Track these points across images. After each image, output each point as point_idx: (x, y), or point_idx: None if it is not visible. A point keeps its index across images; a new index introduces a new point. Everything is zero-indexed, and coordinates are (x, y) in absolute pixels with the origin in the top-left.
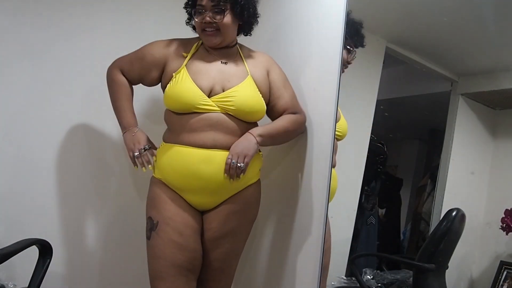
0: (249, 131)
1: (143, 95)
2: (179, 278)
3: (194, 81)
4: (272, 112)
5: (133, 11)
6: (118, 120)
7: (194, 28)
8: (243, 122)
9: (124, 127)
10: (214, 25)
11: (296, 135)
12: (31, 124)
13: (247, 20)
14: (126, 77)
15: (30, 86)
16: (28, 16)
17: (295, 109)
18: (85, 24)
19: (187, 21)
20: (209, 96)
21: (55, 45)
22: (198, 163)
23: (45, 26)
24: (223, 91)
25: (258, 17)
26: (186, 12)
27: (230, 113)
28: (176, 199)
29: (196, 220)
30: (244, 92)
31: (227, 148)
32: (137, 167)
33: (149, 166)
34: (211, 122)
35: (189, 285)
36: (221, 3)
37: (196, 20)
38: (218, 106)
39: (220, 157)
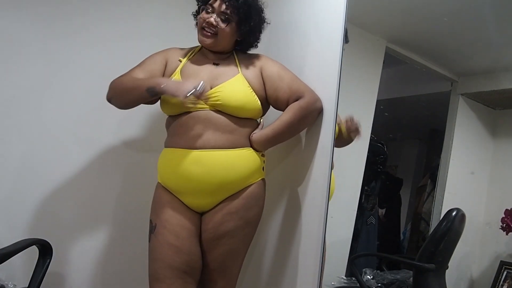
0: (252, 144)
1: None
2: (176, 280)
3: None
4: (278, 105)
5: (135, 16)
6: (147, 88)
7: (196, 25)
8: (235, 118)
9: (158, 83)
10: (215, 29)
11: (309, 119)
12: (32, 125)
13: (247, 39)
14: None
15: (31, 87)
16: (33, 17)
17: (297, 94)
18: (89, 27)
19: (194, 13)
20: None
21: (55, 45)
22: (188, 164)
23: (51, 27)
24: (211, 89)
25: (258, 41)
26: (197, 4)
27: (219, 108)
28: (174, 202)
29: (193, 222)
30: (231, 87)
31: (216, 147)
32: (192, 105)
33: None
34: (199, 120)
35: (186, 287)
36: (231, 12)
37: (201, 16)
38: (207, 104)
39: (209, 157)
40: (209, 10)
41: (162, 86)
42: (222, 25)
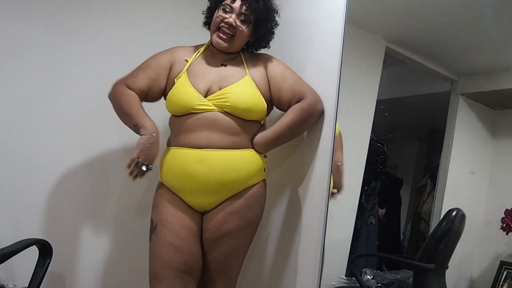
0: (253, 146)
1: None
2: (175, 280)
3: (192, 84)
4: (281, 106)
5: (137, 16)
6: (135, 124)
7: (204, 23)
8: (241, 120)
9: (145, 128)
10: (233, 30)
11: (310, 121)
12: (32, 124)
13: (260, 40)
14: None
15: (32, 87)
16: (31, 15)
17: (300, 95)
18: (86, 25)
19: (204, 11)
20: (206, 96)
21: (58, 45)
22: (192, 163)
23: (54, 29)
24: (220, 90)
25: (268, 46)
26: (209, 1)
27: (227, 110)
28: (175, 201)
29: (194, 222)
30: (240, 89)
31: (221, 147)
32: (129, 173)
33: (134, 179)
34: (206, 121)
35: (185, 286)
36: (250, 14)
37: (218, 15)
38: (215, 105)
39: (213, 157)
40: (227, 10)
41: (141, 133)
42: (243, 26)
